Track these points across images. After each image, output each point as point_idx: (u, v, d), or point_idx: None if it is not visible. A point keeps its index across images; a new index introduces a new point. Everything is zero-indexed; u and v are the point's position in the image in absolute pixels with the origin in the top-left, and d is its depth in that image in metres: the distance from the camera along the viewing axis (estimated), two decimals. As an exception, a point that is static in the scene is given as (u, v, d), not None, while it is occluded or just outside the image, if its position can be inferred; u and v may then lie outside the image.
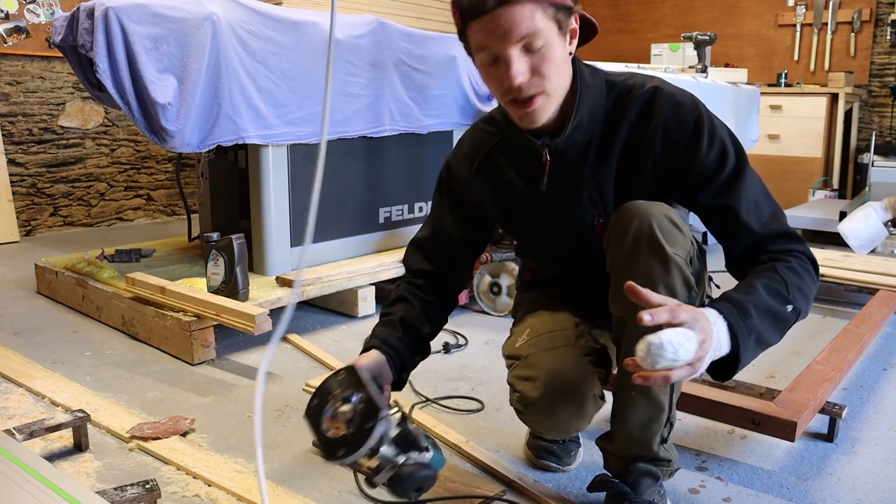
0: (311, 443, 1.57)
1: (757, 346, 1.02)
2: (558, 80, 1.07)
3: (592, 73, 1.16)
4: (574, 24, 1.08)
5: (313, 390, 1.48)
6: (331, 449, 1.11)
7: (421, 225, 1.41)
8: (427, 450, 1.14)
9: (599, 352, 1.26)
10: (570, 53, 1.10)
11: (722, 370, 1.03)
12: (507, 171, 1.26)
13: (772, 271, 1.06)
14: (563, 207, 1.23)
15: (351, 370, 1.16)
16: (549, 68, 1.04)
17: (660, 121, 1.12)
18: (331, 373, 1.19)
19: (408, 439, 1.14)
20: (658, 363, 0.90)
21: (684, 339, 0.91)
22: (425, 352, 1.34)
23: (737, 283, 1.09)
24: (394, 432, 1.13)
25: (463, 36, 1.08)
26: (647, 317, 0.89)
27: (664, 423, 1.20)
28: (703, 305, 1.15)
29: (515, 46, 1.02)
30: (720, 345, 0.96)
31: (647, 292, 0.92)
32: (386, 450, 1.12)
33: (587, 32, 1.16)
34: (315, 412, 1.14)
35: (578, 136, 1.15)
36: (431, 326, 1.33)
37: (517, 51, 1.02)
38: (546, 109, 1.08)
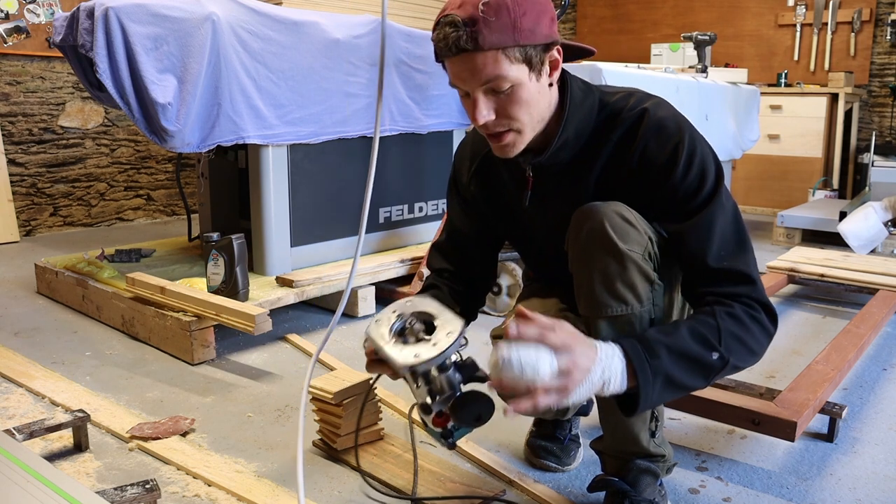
0: (312, 442, 1.57)
1: (666, 389, 1.02)
2: (529, 118, 1.08)
3: (586, 92, 1.16)
4: (555, 55, 1.08)
5: (314, 391, 1.48)
6: (401, 356, 1.06)
7: (421, 224, 1.48)
8: (485, 381, 1.10)
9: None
10: (551, 84, 1.10)
11: (624, 407, 1.05)
12: (503, 175, 1.28)
13: (708, 315, 1.06)
14: (545, 221, 1.25)
15: (415, 300, 1.15)
16: (517, 109, 1.06)
17: (641, 141, 1.11)
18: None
19: (470, 368, 1.13)
20: (505, 377, 0.91)
21: (536, 361, 0.92)
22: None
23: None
24: (456, 364, 1.12)
25: (442, 66, 1.10)
26: (512, 328, 0.92)
27: (650, 419, 1.22)
28: (672, 300, 1.18)
29: (480, 89, 1.04)
30: (611, 381, 0.99)
31: (534, 315, 0.97)
32: (451, 373, 1.10)
33: (577, 55, 1.17)
34: (379, 326, 1.11)
35: (563, 155, 1.16)
36: (462, 309, 1.36)
37: (482, 93, 1.05)
38: (517, 145, 1.11)
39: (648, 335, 1.03)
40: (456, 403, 1.10)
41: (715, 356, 1.03)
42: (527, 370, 0.91)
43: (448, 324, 1.09)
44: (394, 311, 1.13)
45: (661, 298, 1.13)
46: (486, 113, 1.06)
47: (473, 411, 1.10)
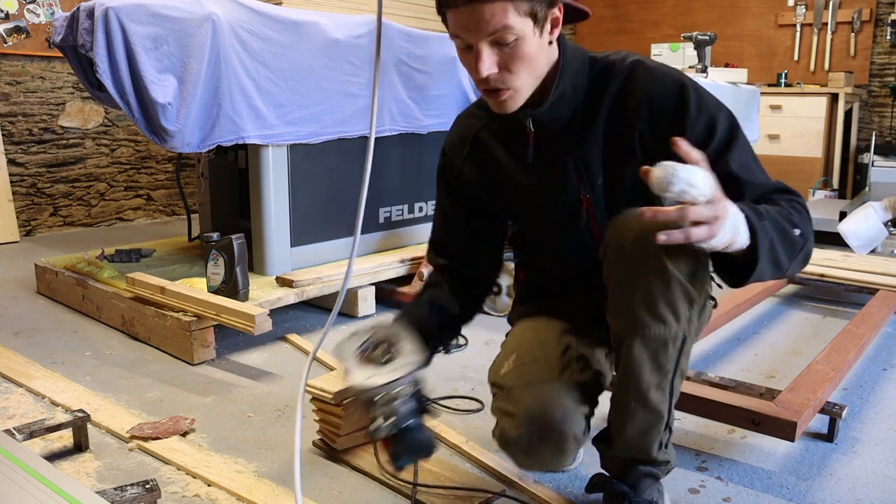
0: (312, 442, 1.57)
1: (771, 256, 1.00)
2: (528, 74, 1.08)
3: (575, 49, 1.17)
4: (556, 13, 1.08)
5: (314, 391, 1.48)
6: (356, 376, 1.13)
7: (421, 224, 1.47)
8: (434, 417, 1.18)
9: (587, 384, 1.21)
10: (551, 42, 1.10)
11: (739, 271, 1.03)
12: (496, 152, 1.26)
13: (777, 204, 1.07)
14: (549, 181, 1.22)
15: (391, 324, 1.19)
16: (519, 64, 1.05)
17: (642, 92, 1.11)
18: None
19: (422, 407, 1.16)
20: (673, 184, 0.89)
21: (702, 177, 0.91)
22: (454, 329, 1.39)
23: None
24: (409, 396, 1.15)
25: (442, 18, 1.10)
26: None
27: (663, 430, 1.18)
28: (703, 309, 1.14)
29: (485, 41, 1.03)
30: (738, 231, 0.96)
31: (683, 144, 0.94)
32: (402, 403, 1.13)
33: (575, 16, 1.16)
34: (351, 342, 1.18)
35: (561, 109, 1.15)
36: (461, 307, 1.35)
37: (486, 45, 1.03)
38: (515, 100, 1.10)
39: (746, 204, 1.02)
40: (398, 435, 1.13)
41: (797, 232, 1.04)
42: (695, 179, 0.90)
43: (409, 356, 1.14)
44: (371, 328, 1.19)
45: (697, 316, 1.11)
46: (489, 65, 1.04)
47: (413, 446, 1.13)
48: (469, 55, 1.06)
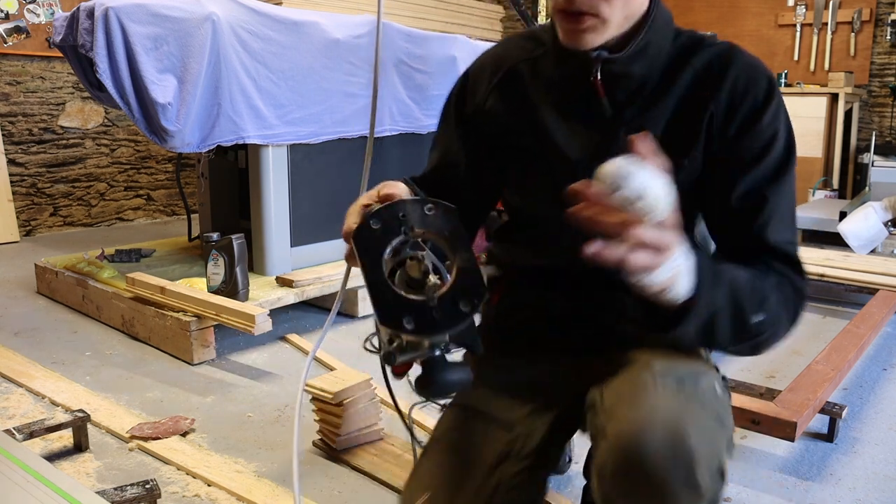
0: (312, 442, 1.57)
1: (704, 329, 0.81)
2: (623, 6, 0.87)
3: (664, 8, 0.96)
4: None
5: (314, 391, 1.48)
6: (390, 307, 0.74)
7: None
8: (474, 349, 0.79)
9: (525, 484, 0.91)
10: None
11: (664, 321, 0.81)
12: (533, 94, 1.01)
13: (764, 274, 0.89)
14: (591, 148, 0.97)
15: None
16: None
17: (731, 74, 0.94)
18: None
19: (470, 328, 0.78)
20: (622, 188, 0.70)
21: (662, 189, 0.71)
22: None
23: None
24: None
25: None
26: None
27: None
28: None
29: None
30: (680, 278, 0.75)
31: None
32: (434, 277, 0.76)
33: None
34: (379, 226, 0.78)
35: (638, 67, 0.94)
36: None
37: None
38: (596, 34, 0.88)
39: (721, 265, 0.84)
40: (431, 364, 0.77)
41: (758, 319, 0.85)
42: (649, 193, 0.70)
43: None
44: (405, 211, 0.79)
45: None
46: None
47: (451, 379, 0.77)
48: None
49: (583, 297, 1.00)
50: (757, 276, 0.88)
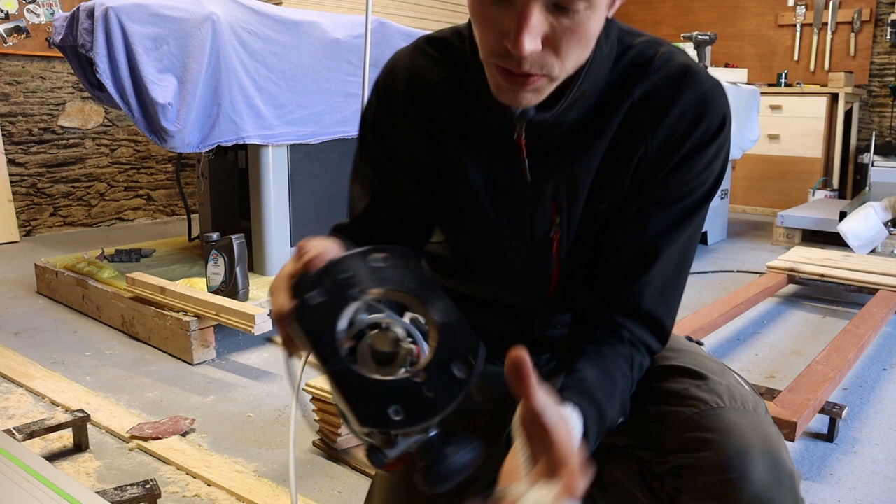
0: (312, 442, 1.57)
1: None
2: (576, 61, 0.72)
3: (606, 31, 0.78)
4: None
5: (314, 390, 1.48)
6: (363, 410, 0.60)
7: None
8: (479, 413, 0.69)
9: None
10: (607, 19, 0.76)
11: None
12: (453, 138, 0.86)
13: (628, 370, 0.80)
14: (514, 206, 0.85)
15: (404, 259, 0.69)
16: (574, 45, 0.70)
17: (675, 110, 0.79)
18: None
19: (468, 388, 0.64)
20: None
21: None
22: None
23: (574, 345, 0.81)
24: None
25: None
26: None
27: None
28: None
29: (542, 1, 0.66)
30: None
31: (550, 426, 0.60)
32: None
33: None
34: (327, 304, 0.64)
35: (569, 115, 0.80)
36: None
37: (540, 7, 0.66)
38: (540, 95, 0.74)
39: (605, 406, 0.74)
40: (434, 454, 0.61)
41: (620, 420, 0.79)
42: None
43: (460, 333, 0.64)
44: (354, 272, 0.65)
45: None
46: (536, 36, 0.67)
47: (461, 464, 0.62)
48: (500, 12, 0.68)
49: (499, 321, 0.94)
50: (626, 380, 0.79)
